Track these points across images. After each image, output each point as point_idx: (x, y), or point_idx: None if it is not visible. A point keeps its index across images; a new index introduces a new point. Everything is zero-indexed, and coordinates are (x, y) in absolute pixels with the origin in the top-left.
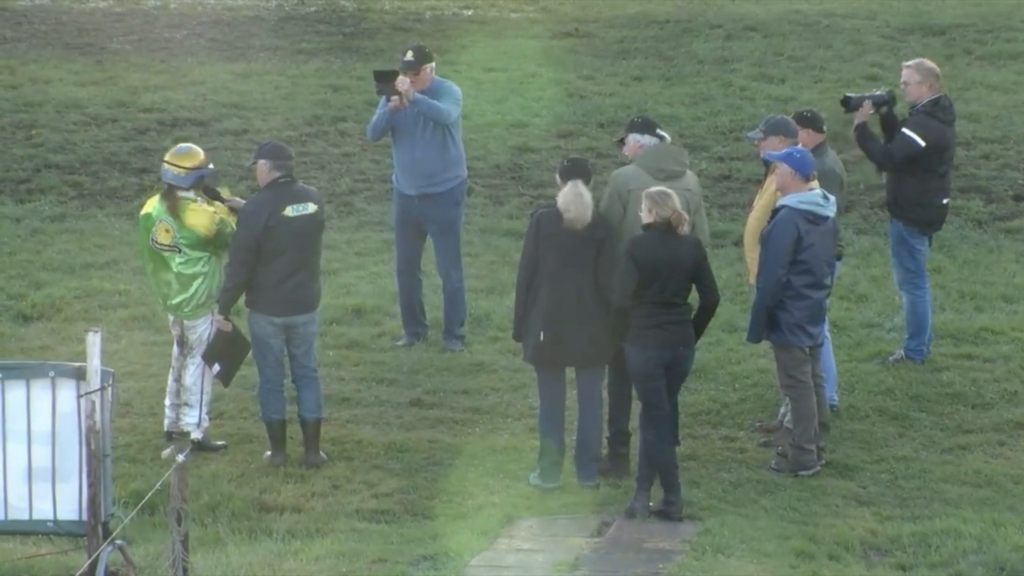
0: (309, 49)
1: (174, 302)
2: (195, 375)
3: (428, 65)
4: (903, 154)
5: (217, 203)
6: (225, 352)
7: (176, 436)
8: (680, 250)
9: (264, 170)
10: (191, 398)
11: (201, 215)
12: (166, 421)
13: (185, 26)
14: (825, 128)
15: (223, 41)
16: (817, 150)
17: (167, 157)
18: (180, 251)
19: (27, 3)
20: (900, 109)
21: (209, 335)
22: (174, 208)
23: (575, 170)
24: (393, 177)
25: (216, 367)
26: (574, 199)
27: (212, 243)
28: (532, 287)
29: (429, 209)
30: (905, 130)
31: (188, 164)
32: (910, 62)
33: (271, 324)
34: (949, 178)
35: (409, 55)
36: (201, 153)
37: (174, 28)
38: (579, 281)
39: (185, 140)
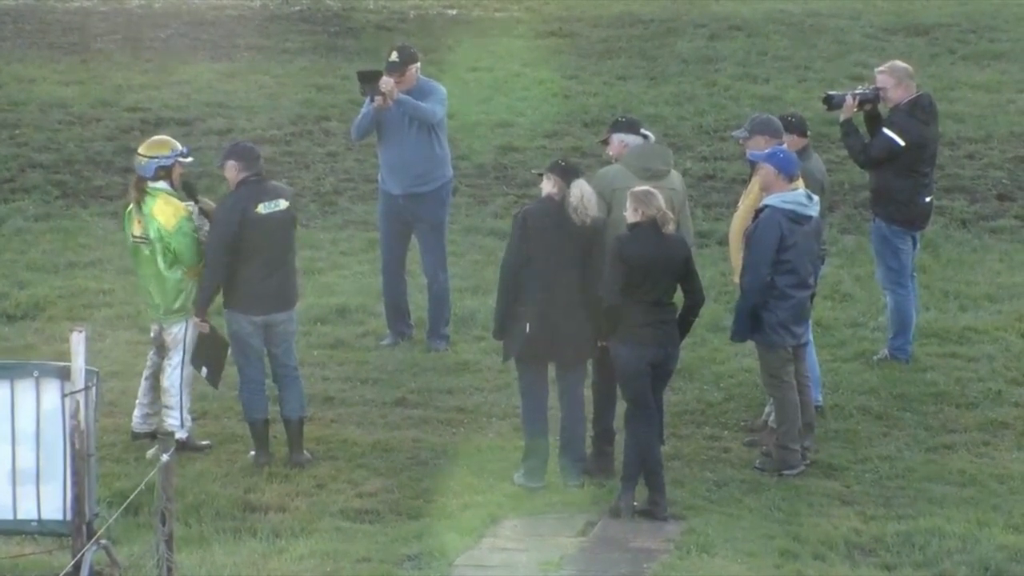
0: (294, 48)
1: (153, 302)
2: (173, 376)
3: (413, 65)
4: (882, 154)
5: (202, 200)
6: (208, 353)
7: (161, 436)
8: (669, 249)
9: (233, 170)
10: (170, 399)
11: (166, 207)
12: (134, 420)
13: (170, 25)
14: (809, 132)
15: (208, 40)
16: (801, 154)
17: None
18: (148, 242)
19: (11, 2)
20: (884, 108)
21: (186, 338)
22: (141, 198)
23: (575, 170)
24: (379, 176)
25: (204, 370)
26: (588, 197)
27: (176, 240)
28: (517, 285)
29: (416, 208)
30: (885, 130)
31: (150, 153)
32: (883, 67)
33: (250, 323)
34: (932, 177)
35: (394, 56)
36: (170, 143)
37: (159, 27)
38: (569, 278)
39: None
